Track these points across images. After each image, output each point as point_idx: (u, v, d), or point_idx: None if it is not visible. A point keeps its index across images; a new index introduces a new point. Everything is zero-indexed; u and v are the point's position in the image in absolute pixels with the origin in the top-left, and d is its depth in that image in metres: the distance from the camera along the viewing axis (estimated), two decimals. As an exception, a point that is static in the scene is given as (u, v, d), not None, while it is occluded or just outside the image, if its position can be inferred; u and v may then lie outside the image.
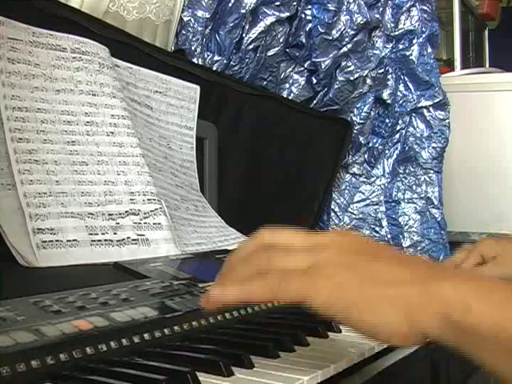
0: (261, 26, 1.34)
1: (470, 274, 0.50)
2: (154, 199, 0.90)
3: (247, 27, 1.32)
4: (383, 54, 1.63)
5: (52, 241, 0.77)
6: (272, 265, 0.49)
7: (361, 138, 1.65)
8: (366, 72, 1.59)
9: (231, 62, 1.31)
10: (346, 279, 0.47)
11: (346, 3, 1.50)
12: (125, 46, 1.07)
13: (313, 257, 0.49)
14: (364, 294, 0.47)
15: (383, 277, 0.47)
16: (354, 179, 1.68)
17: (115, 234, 0.84)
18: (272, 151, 1.43)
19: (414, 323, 0.46)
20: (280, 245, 0.52)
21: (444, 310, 0.45)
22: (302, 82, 1.52)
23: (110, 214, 0.84)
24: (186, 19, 1.23)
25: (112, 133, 0.91)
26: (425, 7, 1.68)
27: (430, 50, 1.68)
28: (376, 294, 0.47)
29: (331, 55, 1.50)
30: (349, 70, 1.55)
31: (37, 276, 0.73)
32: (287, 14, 1.39)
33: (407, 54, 1.67)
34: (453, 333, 0.45)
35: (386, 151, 1.70)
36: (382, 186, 1.69)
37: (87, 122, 0.89)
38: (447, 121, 1.69)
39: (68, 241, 0.78)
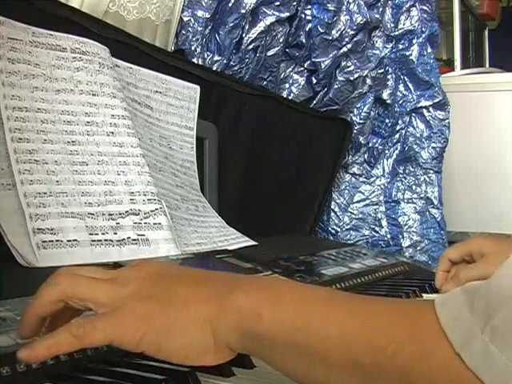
0: (261, 26, 1.34)
1: (265, 282, 0.50)
2: (155, 199, 0.90)
3: (247, 27, 1.32)
4: (383, 54, 1.63)
5: (52, 241, 0.77)
6: (72, 290, 0.48)
7: (361, 138, 1.65)
8: (366, 72, 1.59)
9: (231, 62, 1.31)
10: (149, 308, 0.47)
11: (345, 3, 1.50)
12: (125, 45, 1.07)
13: (115, 293, 0.48)
14: (167, 318, 0.47)
15: (183, 298, 0.48)
16: (353, 179, 1.68)
17: (115, 233, 0.84)
18: (272, 151, 1.43)
19: (218, 337, 0.46)
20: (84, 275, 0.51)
21: (239, 321, 0.46)
22: (302, 82, 1.52)
23: (110, 214, 0.84)
24: (185, 19, 1.23)
25: (112, 133, 0.91)
26: (425, 7, 1.68)
27: (429, 50, 1.68)
28: (178, 317, 0.47)
29: (331, 55, 1.50)
30: (349, 69, 1.55)
31: (37, 276, 0.73)
32: (287, 14, 1.39)
33: (407, 53, 1.67)
34: (250, 342, 0.46)
35: (386, 151, 1.70)
36: (382, 186, 1.69)
37: (87, 122, 0.89)
38: (447, 121, 1.69)
39: (68, 241, 0.78)
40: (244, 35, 1.32)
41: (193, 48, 1.24)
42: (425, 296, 0.93)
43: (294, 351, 0.45)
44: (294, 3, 1.41)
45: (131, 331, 0.46)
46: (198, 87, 1.14)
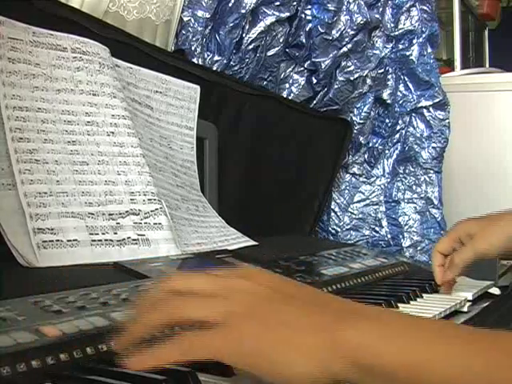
0: (261, 26, 1.34)
1: (378, 314, 0.49)
2: (155, 199, 0.90)
3: (247, 27, 1.32)
4: (383, 54, 1.63)
5: (52, 241, 0.77)
6: (184, 313, 0.48)
7: (361, 138, 1.65)
8: (366, 72, 1.59)
9: (231, 62, 1.31)
10: (257, 329, 0.47)
11: (345, 3, 1.50)
12: (125, 45, 1.07)
13: (224, 308, 0.48)
14: (275, 342, 0.46)
15: (294, 323, 0.47)
16: (354, 179, 1.68)
17: (115, 233, 0.84)
18: (272, 151, 1.43)
19: (325, 369, 0.46)
20: (191, 291, 0.50)
21: (352, 355, 0.45)
22: (302, 82, 1.52)
23: (110, 214, 0.84)
24: (185, 19, 1.23)
25: (112, 133, 0.91)
26: (425, 7, 1.68)
27: (429, 50, 1.68)
28: (287, 342, 0.46)
29: (331, 55, 1.50)
30: (349, 70, 1.55)
31: (37, 276, 0.73)
32: (287, 14, 1.39)
33: (407, 53, 1.67)
34: (362, 376, 0.46)
35: (386, 151, 1.70)
36: (382, 186, 1.69)
37: (88, 121, 0.89)
38: (447, 121, 1.69)
39: (68, 241, 0.78)
40: (244, 35, 1.32)
41: (193, 48, 1.24)
42: (425, 296, 0.93)
43: None
44: (294, 3, 1.41)
45: (237, 350, 0.46)
46: (198, 87, 1.14)
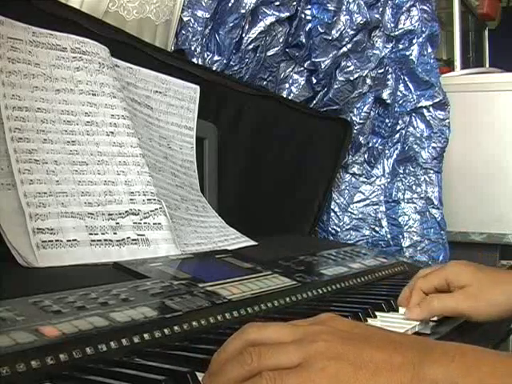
0: (260, 26, 1.34)
1: (458, 349, 0.49)
2: (154, 199, 0.90)
3: (247, 27, 1.32)
4: (383, 54, 1.63)
5: (52, 241, 0.77)
6: (262, 363, 0.48)
7: (361, 138, 1.65)
8: (366, 72, 1.59)
9: (231, 62, 1.31)
10: (340, 369, 0.47)
11: (345, 3, 1.50)
12: (125, 46, 1.07)
13: (303, 350, 0.48)
14: (358, 382, 0.46)
15: (375, 363, 0.47)
16: (353, 179, 1.68)
17: (115, 233, 0.84)
18: (272, 151, 1.43)
19: None
20: (268, 340, 0.50)
21: None
22: (302, 82, 1.52)
23: (109, 214, 0.84)
24: (185, 19, 1.23)
25: (112, 133, 0.91)
26: (425, 7, 1.68)
27: (430, 49, 1.68)
28: (369, 382, 0.46)
29: (331, 55, 1.50)
30: (348, 69, 1.55)
31: (37, 276, 0.73)
32: (287, 14, 1.39)
33: (407, 53, 1.67)
34: None
35: (386, 151, 1.70)
36: (382, 186, 1.69)
37: (87, 121, 0.89)
38: (447, 121, 1.69)
39: (68, 241, 0.78)
40: (244, 35, 1.32)
41: (193, 48, 1.24)
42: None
43: None
44: (294, 3, 1.41)
45: None
46: (197, 87, 1.14)
